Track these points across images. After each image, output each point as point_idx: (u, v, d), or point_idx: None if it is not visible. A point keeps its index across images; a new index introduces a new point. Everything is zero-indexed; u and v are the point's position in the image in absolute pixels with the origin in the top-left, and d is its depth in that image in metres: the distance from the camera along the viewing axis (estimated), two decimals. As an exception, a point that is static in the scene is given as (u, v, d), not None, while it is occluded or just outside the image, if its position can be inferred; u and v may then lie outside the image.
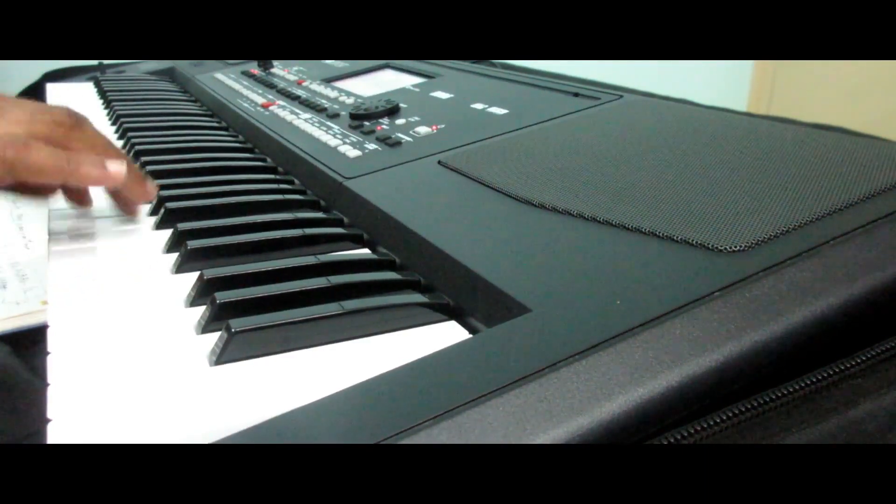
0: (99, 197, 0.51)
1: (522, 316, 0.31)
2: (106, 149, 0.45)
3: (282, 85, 0.83)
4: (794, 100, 2.40)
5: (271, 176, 0.59)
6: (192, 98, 0.94)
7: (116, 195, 0.48)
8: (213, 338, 0.34)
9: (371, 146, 0.56)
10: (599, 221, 0.37)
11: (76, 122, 0.44)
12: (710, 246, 0.33)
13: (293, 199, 0.53)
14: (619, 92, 0.60)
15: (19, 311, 0.52)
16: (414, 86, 0.72)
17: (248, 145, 0.70)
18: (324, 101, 0.72)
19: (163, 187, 0.54)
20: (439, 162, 0.50)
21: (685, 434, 0.27)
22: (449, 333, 0.35)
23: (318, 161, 0.55)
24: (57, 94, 0.99)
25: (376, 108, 0.63)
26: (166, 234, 0.47)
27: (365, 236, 0.46)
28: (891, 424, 0.29)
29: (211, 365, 0.33)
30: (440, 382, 0.27)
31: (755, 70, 2.47)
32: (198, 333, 0.36)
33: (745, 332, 0.28)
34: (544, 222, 0.39)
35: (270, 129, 0.67)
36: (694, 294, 0.29)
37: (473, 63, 0.85)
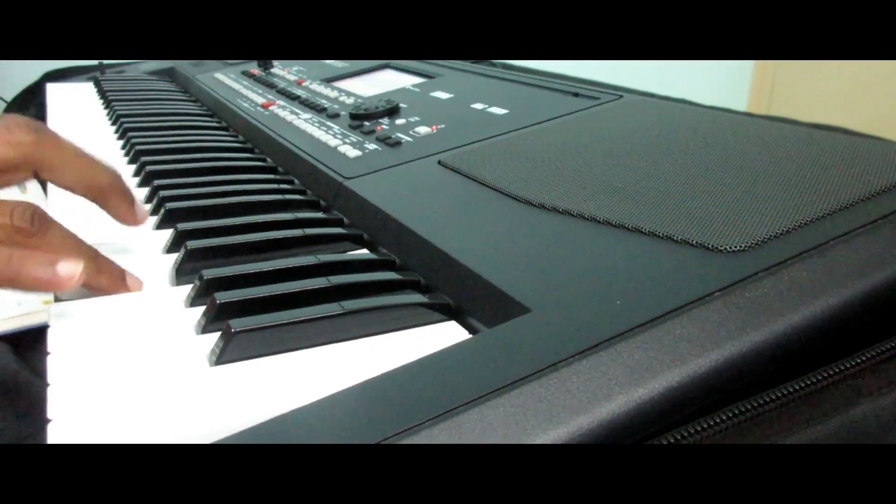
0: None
1: (522, 316, 0.31)
2: (74, 253, 0.38)
3: (282, 85, 0.83)
4: (794, 100, 2.40)
5: (271, 176, 0.59)
6: (192, 98, 0.94)
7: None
8: (213, 338, 0.34)
9: (371, 146, 0.56)
10: (599, 221, 0.37)
11: (40, 227, 0.37)
12: (710, 246, 0.33)
13: (293, 199, 0.52)
14: (619, 92, 0.61)
15: (20, 311, 0.52)
16: (414, 86, 0.72)
17: (248, 145, 0.70)
18: (324, 101, 0.72)
19: (163, 187, 0.54)
20: (439, 162, 0.50)
21: (685, 434, 0.27)
22: (449, 333, 0.35)
23: (318, 161, 0.55)
24: (57, 94, 0.99)
25: (376, 108, 0.63)
26: (166, 234, 0.47)
27: (365, 236, 0.46)
28: (891, 424, 0.29)
29: (211, 365, 0.33)
30: (440, 382, 0.27)
31: (755, 70, 2.47)
32: (198, 334, 0.36)
33: (745, 332, 0.28)
34: (544, 222, 0.39)
35: (270, 129, 0.67)
36: (694, 294, 0.29)
37: (473, 63, 0.85)
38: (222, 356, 0.32)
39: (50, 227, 0.38)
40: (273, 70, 0.94)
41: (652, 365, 0.27)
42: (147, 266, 0.43)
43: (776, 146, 0.43)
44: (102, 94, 0.93)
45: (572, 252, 0.35)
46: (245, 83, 0.89)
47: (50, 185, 0.46)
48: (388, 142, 0.55)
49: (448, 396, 0.26)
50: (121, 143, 0.72)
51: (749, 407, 0.28)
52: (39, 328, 0.49)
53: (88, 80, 1.08)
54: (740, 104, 2.46)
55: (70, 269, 0.36)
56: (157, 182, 0.56)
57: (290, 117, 0.68)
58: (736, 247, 0.32)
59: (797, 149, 0.42)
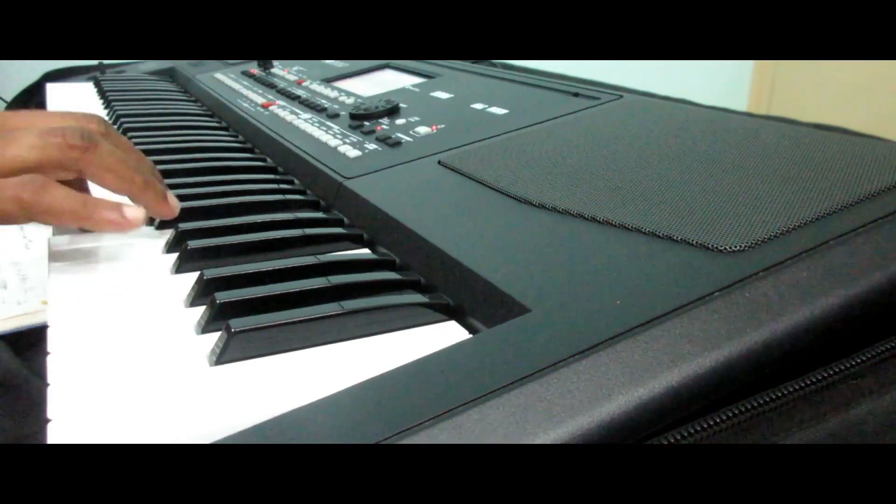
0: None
1: (522, 316, 0.31)
2: (122, 167, 0.43)
3: (282, 85, 0.83)
4: (794, 100, 2.40)
5: (271, 176, 0.59)
6: (192, 98, 0.94)
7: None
8: (213, 338, 0.34)
9: (371, 146, 0.56)
10: (599, 221, 0.37)
11: (90, 143, 0.41)
12: (710, 246, 0.33)
13: (293, 199, 0.53)
14: (618, 92, 0.61)
15: (20, 310, 0.52)
16: (414, 86, 0.72)
17: (248, 145, 0.70)
18: (324, 101, 0.72)
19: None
20: (439, 162, 0.50)
21: (685, 434, 0.27)
22: (449, 333, 0.35)
23: (318, 161, 0.55)
24: (57, 94, 0.99)
25: (376, 108, 0.63)
26: (166, 234, 0.47)
27: (365, 236, 0.46)
28: (891, 424, 0.29)
29: (211, 365, 0.33)
30: (440, 382, 0.27)
31: (755, 70, 2.47)
32: (198, 333, 0.36)
33: (745, 332, 0.28)
34: (544, 222, 0.39)
35: (270, 129, 0.67)
36: (694, 294, 0.29)
37: (473, 63, 0.85)
38: (222, 356, 0.32)
39: (99, 144, 0.41)
40: (273, 70, 0.94)
41: (652, 365, 0.27)
42: (147, 266, 0.43)
43: (776, 146, 0.43)
44: (102, 94, 0.93)
45: (572, 252, 0.35)
46: (245, 83, 0.89)
47: None
48: (388, 142, 0.55)
49: (448, 396, 0.26)
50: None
51: (749, 407, 0.28)
52: (39, 328, 0.49)
53: (88, 80, 1.08)
54: (740, 104, 2.46)
55: (135, 213, 0.42)
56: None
57: (290, 117, 0.68)
58: (736, 247, 0.32)
59: (797, 149, 0.42)
